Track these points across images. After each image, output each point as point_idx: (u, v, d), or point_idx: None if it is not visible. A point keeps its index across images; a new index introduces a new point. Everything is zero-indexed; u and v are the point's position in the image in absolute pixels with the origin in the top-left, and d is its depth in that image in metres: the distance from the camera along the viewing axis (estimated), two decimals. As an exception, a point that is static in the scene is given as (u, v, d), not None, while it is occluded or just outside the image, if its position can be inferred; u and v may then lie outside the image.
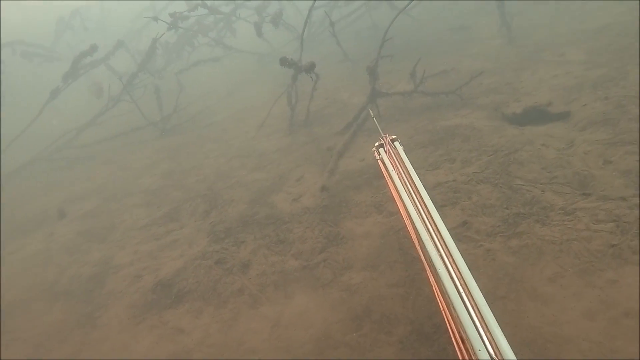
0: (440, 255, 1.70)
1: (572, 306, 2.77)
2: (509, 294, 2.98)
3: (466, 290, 1.47)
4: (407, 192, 2.17)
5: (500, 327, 1.38)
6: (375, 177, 4.80)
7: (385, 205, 4.27)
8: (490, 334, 1.20)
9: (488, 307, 1.29)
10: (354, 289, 3.43)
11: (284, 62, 5.80)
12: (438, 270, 1.58)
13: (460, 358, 1.24)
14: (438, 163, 4.77)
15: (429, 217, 1.97)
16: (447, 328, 1.47)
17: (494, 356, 1.16)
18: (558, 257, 3.14)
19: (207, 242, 4.63)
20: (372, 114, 3.69)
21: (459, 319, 1.29)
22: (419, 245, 1.86)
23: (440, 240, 1.78)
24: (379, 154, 2.76)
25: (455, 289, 1.45)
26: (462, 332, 1.26)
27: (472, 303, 1.35)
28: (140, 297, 4.15)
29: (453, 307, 1.37)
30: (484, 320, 1.28)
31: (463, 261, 1.63)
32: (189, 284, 4.09)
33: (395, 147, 2.73)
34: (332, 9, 11.90)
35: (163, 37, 9.94)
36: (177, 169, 6.97)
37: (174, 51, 11.89)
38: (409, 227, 2.07)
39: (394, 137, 2.85)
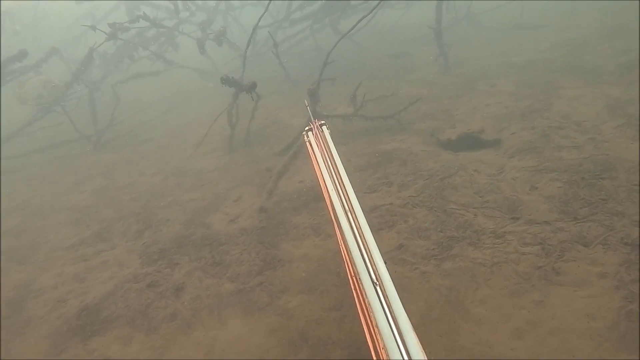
0: (352, 230, 1.78)
1: (502, 326, 2.85)
2: (443, 316, 3.02)
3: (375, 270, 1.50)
4: (330, 173, 2.30)
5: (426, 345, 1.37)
6: (314, 199, 4.78)
7: (324, 227, 4.25)
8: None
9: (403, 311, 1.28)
10: (290, 313, 3.35)
11: (225, 80, 5.71)
12: (352, 250, 1.63)
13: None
14: (376, 186, 4.83)
15: (346, 196, 2.08)
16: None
17: None
18: (489, 279, 3.24)
19: (139, 263, 4.38)
20: (306, 103, 3.80)
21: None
22: (335, 220, 1.97)
23: (354, 216, 1.90)
24: (308, 137, 2.85)
25: (368, 276, 1.45)
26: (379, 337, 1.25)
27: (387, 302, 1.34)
28: (64, 324, 3.82)
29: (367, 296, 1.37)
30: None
31: (371, 234, 1.73)
32: (119, 309, 3.83)
33: (322, 131, 2.84)
34: (277, 30, 12.00)
35: (101, 47, 9.53)
36: (110, 186, 6.60)
37: (112, 62, 11.42)
38: (328, 205, 2.20)
39: (322, 122, 2.94)
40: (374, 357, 1.30)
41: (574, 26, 10.82)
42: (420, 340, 1.22)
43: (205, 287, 3.82)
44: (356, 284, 1.60)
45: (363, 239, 1.68)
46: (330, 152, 2.53)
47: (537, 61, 8.18)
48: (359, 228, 1.77)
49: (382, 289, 1.38)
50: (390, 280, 1.43)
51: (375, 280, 1.40)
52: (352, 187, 2.16)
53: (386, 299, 1.33)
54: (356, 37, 11.69)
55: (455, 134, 5.59)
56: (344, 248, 1.67)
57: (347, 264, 1.80)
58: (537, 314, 2.88)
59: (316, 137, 2.78)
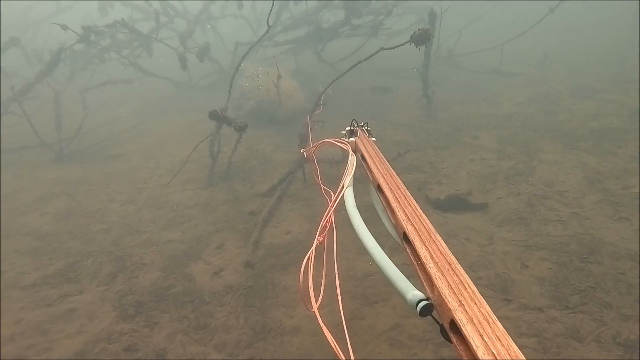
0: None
1: None
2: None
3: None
4: (386, 183, 1.68)
5: None
6: (302, 257, 4.63)
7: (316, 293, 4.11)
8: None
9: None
10: (282, 398, 3.20)
11: (213, 116, 5.49)
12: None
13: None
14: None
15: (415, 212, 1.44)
16: None
17: None
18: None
19: (114, 317, 4.07)
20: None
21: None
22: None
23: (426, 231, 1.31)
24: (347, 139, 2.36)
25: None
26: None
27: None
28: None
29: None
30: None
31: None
32: (89, 377, 3.53)
33: (367, 135, 2.38)
34: (258, 49, 11.80)
35: (69, 44, 8.97)
36: (76, 210, 6.17)
37: (81, 63, 10.81)
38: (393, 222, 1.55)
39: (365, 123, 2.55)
40: None
41: (545, 79, 11.33)
42: None
43: (189, 355, 3.60)
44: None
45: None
46: (382, 161, 1.98)
47: (516, 115, 8.45)
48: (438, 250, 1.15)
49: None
50: None
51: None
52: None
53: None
54: (337, 64, 11.72)
55: (444, 193, 5.64)
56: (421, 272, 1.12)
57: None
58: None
59: (360, 143, 2.23)
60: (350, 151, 2.19)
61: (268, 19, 5.75)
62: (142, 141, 8.69)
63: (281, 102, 8.70)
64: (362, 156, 2.06)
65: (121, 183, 6.89)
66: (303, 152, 3.65)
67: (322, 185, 2.34)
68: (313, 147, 2.96)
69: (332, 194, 1.94)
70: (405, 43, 5.57)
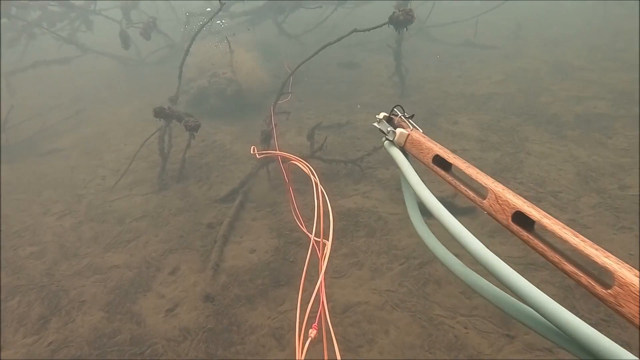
0: None
1: None
2: None
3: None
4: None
5: None
6: (272, 282, 4.02)
7: (288, 336, 3.53)
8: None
9: None
10: None
11: (160, 113, 4.66)
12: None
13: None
14: (344, 268, 4.18)
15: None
16: None
17: None
18: None
19: (41, 382, 3.36)
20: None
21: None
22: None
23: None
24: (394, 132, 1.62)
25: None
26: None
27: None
28: None
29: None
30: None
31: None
32: None
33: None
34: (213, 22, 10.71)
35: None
36: (1, 228, 5.28)
37: (6, 40, 9.47)
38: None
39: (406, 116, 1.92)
40: None
41: (520, 53, 10.85)
42: None
43: None
44: None
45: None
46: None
47: (496, 97, 7.93)
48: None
49: None
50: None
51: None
52: None
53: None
54: (302, 37, 10.84)
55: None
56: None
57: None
58: None
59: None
60: (393, 147, 1.53)
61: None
62: (82, 132, 7.68)
63: (240, 83, 7.84)
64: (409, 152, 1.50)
65: (57, 189, 5.99)
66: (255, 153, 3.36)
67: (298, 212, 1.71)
68: (260, 154, 2.39)
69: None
70: (382, 25, 4.85)
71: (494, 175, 4.59)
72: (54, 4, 8.10)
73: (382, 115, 1.68)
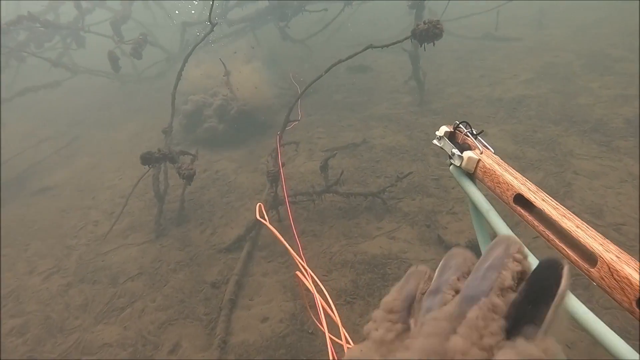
0: None
1: None
2: None
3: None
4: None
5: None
6: (291, 366, 3.36)
7: None
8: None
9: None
10: None
11: (148, 160, 4.00)
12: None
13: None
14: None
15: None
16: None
17: None
18: None
19: None
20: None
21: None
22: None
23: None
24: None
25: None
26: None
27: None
28: None
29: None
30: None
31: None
32: None
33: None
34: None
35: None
36: (-19, 290, 4.70)
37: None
38: None
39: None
40: None
41: (547, 45, 9.96)
42: None
43: None
44: None
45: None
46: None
47: (527, 100, 7.12)
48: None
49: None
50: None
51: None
52: None
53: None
54: (307, 41, 10.09)
55: (463, 234, 4.38)
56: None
57: None
58: None
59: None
60: (461, 173, 1.27)
61: (210, 15, 4.18)
62: (75, 166, 7.08)
63: (242, 101, 7.15)
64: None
65: (46, 239, 5.39)
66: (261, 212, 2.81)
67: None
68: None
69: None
70: (403, 40, 4.11)
71: None
72: (36, 25, 7.47)
73: (443, 130, 1.42)
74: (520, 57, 9.39)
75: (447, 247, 4.30)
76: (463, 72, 8.89)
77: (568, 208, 3.15)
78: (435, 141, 1.51)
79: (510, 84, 7.92)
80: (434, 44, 3.85)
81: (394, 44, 4.17)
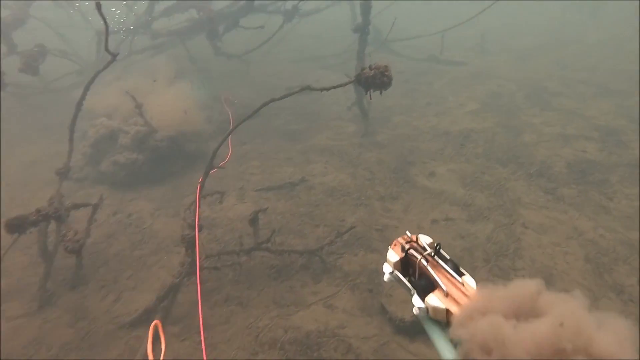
0: None
1: None
2: None
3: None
4: None
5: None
6: None
7: None
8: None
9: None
10: None
11: (17, 228, 3.10)
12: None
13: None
14: None
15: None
16: None
17: None
18: None
19: None
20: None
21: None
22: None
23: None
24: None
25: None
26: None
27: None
28: None
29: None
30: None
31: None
32: None
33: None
34: (133, 39, 8.95)
35: None
36: None
37: None
38: None
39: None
40: None
41: (490, 71, 9.87)
42: None
43: None
44: None
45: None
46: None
47: (474, 135, 6.80)
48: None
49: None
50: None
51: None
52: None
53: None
54: (251, 56, 9.32)
55: (411, 308, 3.82)
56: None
57: None
58: None
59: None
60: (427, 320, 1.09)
61: (106, 43, 3.36)
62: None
63: (164, 129, 6.25)
64: None
65: None
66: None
67: None
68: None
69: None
70: (345, 84, 3.50)
71: (487, 262, 3.11)
72: None
73: (392, 259, 1.21)
74: (465, 84, 9.18)
75: (392, 319, 3.76)
76: (409, 99, 8.51)
77: (519, 271, 2.62)
78: (386, 277, 1.25)
79: (457, 114, 7.61)
80: (380, 93, 3.26)
81: (335, 87, 3.55)
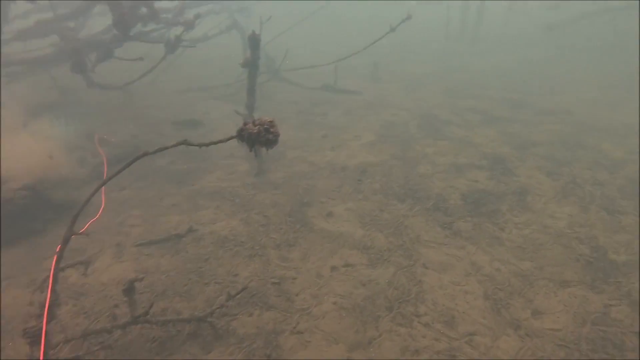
0: None
1: None
2: None
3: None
4: None
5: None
6: None
7: None
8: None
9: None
10: None
11: None
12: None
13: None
14: None
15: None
16: None
17: None
18: None
19: None
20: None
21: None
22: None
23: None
24: None
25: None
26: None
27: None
28: None
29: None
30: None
31: None
32: None
33: None
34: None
35: None
36: None
37: None
38: None
39: None
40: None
41: (384, 100, 10.17)
42: None
43: None
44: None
45: None
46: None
47: (371, 170, 6.84)
48: None
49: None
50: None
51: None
52: None
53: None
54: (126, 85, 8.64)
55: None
56: None
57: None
58: None
59: None
60: None
61: None
62: None
63: (25, 179, 5.42)
64: None
65: None
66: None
67: None
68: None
69: None
70: (228, 139, 3.20)
71: (390, 310, 2.72)
72: None
73: None
74: (360, 114, 9.34)
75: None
76: (305, 131, 8.41)
77: (422, 317, 2.38)
78: None
79: (353, 147, 7.63)
80: (267, 150, 3.00)
81: (215, 143, 3.23)
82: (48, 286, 3.41)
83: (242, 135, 2.97)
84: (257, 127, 2.90)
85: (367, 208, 5.84)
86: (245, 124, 3.01)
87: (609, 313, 4.18)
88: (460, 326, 4.05)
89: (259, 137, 2.88)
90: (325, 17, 17.10)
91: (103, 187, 3.80)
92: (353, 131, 8.36)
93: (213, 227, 5.39)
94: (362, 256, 4.95)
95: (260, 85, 9.53)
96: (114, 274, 4.63)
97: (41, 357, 2.60)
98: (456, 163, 7.07)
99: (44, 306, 3.08)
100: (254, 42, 6.06)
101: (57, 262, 3.39)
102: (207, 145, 3.26)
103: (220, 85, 10.08)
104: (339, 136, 8.15)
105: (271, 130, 2.88)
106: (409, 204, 5.93)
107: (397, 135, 8.18)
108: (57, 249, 3.60)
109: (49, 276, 3.51)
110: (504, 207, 5.90)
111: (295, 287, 4.51)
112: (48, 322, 2.92)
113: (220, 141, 3.22)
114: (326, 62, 9.32)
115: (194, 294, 4.39)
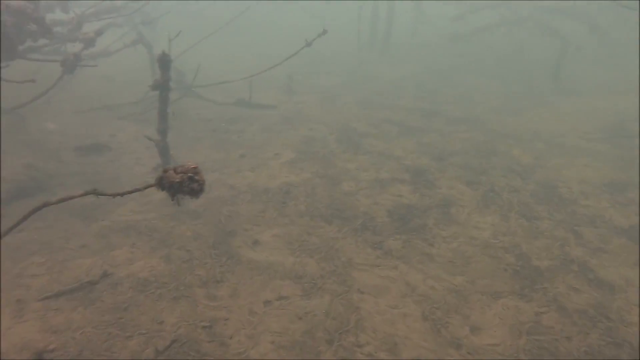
0: None
1: None
2: None
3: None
4: None
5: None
6: None
7: None
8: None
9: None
10: None
11: None
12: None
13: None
14: None
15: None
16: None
17: None
18: None
19: None
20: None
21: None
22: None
23: None
24: None
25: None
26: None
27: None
28: None
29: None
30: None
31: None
32: None
33: None
34: None
35: None
36: None
37: None
38: None
39: None
40: None
41: (300, 114, 10.20)
42: None
43: None
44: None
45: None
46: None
47: (294, 190, 6.79)
48: None
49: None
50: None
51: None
52: None
53: None
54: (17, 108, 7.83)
55: None
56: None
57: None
58: None
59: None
60: None
61: None
62: None
63: None
64: None
65: None
66: None
67: None
68: None
69: None
70: (145, 188, 2.95)
71: (330, 343, 2.71)
72: None
73: None
74: (278, 130, 9.25)
75: None
76: (222, 151, 8.15)
77: (364, 347, 2.35)
78: None
79: (273, 166, 7.52)
80: (191, 198, 2.81)
81: (131, 192, 2.97)
82: None
83: (163, 185, 2.75)
84: (179, 175, 2.70)
85: (294, 233, 5.76)
86: (165, 170, 2.79)
87: (541, 321, 4.47)
88: (403, 352, 4.10)
89: (182, 187, 2.68)
90: (245, 22, 16.79)
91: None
92: (272, 149, 8.25)
93: (130, 268, 4.99)
94: (295, 286, 4.85)
95: (172, 104, 9.10)
96: (15, 339, 4.09)
97: None
98: (379, 178, 7.23)
99: None
100: (164, 62, 5.74)
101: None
102: (122, 195, 2.99)
103: (126, 104, 9.46)
104: (257, 155, 8.00)
105: (196, 178, 2.70)
106: (336, 225, 5.94)
107: (317, 151, 8.20)
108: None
109: None
110: (430, 221, 6.11)
111: (228, 328, 4.30)
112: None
113: (137, 190, 2.97)
114: (241, 76, 9.12)
115: (116, 350, 4.02)
